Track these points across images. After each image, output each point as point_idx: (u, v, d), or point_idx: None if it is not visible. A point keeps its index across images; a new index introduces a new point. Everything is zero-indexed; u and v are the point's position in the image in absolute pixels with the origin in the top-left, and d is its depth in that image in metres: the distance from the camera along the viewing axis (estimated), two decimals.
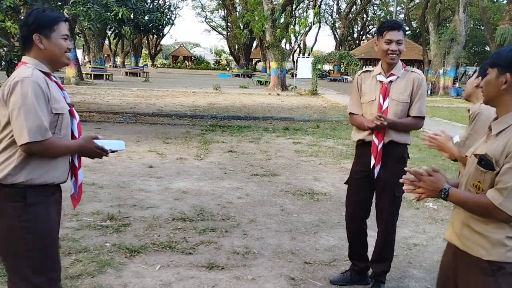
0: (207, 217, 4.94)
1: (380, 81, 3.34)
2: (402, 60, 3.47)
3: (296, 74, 27.90)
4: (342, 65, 47.03)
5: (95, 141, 2.36)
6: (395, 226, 3.50)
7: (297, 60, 29.80)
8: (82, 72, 27.41)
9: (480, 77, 2.35)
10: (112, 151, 2.42)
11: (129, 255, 3.90)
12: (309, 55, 48.08)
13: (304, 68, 26.03)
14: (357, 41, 59.22)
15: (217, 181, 6.49)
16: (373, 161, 3.31)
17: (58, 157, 2.26)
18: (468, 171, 1.95)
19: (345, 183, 3.64)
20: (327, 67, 52.01)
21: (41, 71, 2.24)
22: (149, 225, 4.63)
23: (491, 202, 1.78)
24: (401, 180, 1.93)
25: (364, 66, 26.56)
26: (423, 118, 3.34)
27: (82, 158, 2.47)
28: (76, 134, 2.39)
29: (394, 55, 3.26)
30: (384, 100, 3.29)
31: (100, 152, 2.35)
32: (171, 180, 6.39)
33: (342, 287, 3.56)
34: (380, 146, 3.27)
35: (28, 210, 2.18)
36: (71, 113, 2.37)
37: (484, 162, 1.84)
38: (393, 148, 3.30)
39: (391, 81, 3.33)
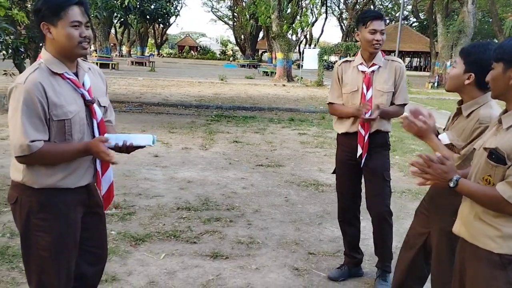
0: (211, 207, 4.96)
1: (362, 71, 3.35)
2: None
3: (302, 65, 27.76)
4: (348, 56, 46.82)
5: (116, 136, 2.15)
6: (391, 212, 3.47)
7: (303, 51, 29.65)
8: (88, 61, 27.41)
9: (472, 73, 2.29)
10: (140, 147, 2.20)
11: (134, 243, 3.93)
12: (315, 46, 47.85)
13: (310, 59, 25.89)
14: None
15: (222, 171, 6.50)
16: (360, 151, 3.34)
17: (61, 162, 2.10)
18: (477, 164, 1.93)
19: (333, 173, 3.69)
20: (333, 58, 51.74)
21: (50, 70, 2.07)
22: (154, 214, 4.65)
23: (500, 195, 1.77)
24: (410, 163, 1.90)
25: None
26: (405, 105, 3.41)
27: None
28: (97, 134, 2.19)
29: (378, 45, 3.27)
30: (367, 90, 3.31)
31: (103, 157, 2.10)
32: (176, 170, 6.40)
33: (336, 281, 3.54)
34: (366, 136, 3.31)
35: (42, 209, 2.11)
36: (91, 111, 2.18)
37: (495, 156, 1.81)
38: (377, 136, 3.35)
39: (373, 71, 3.34)
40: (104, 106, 2.31)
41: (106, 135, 2.18)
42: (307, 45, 51.15)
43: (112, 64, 30.32)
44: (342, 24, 58.07)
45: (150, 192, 5.34)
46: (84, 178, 2.22)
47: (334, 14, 60.46)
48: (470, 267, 1.94)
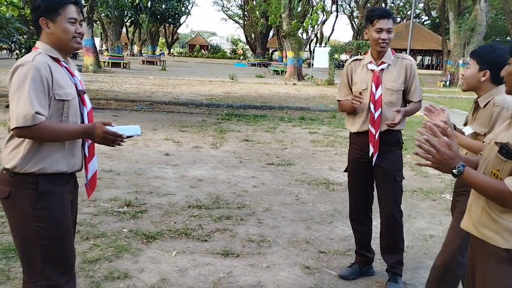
0: (222, 205, 4.98)
1: (372, 70, 3.33)
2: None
3: (312, 64, 27.71)
4: (359, 55, 46.58)
5: (108, 127, 2.21)
6: (401, 212, 3.44)
7: (314, 49, 29.58)
8: (100, 60, 27.65)
9: (487, 70, 2.59)
10: (128, 137, 2.27)
11: (145, 241, 3.96)
12: (326, 44, 47.70)
13: (321, 57, 25.81)
14: None
15: (232, 169, 6.51)
16: (371, 150, 3.32)
17: (58, 141, 2.17)
18: (487, 157, 1.90)
19: (344, 171, 3.67)
20: (344, 56, 51.54)
21: (49, 56, 2.19)
22: (166, 212, 4.68)
23: (508, 189, 1.74)
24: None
25: None
26: (421, 100, 3.41)
27: (100, 146, 2.33)
28: (86, 122, 2.30)
29: (384, 44, 3.25)
30: (376, 89, 3.29)
31: (113, 138, 2.18)
32: (187, 168, 6.43)
33: (352, 280, 3.53)
34: (377, 135, 3.30)
35: (41, 198, 2.14)
36: (82, 101, 2.30)
37: (506, 151, 1.79)
38: (389, 135, 3.33)
39: (382, 69, 3.32)
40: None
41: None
42: (318, 44, 51.04)
43: (123, 63, 30.49)
44: (353, 22, 57.82)
45: (161, 191, 5.38)
46: (77, 163, 2.29)
47: (345, 12, 60.27)
48: (479, 263, 1.93)
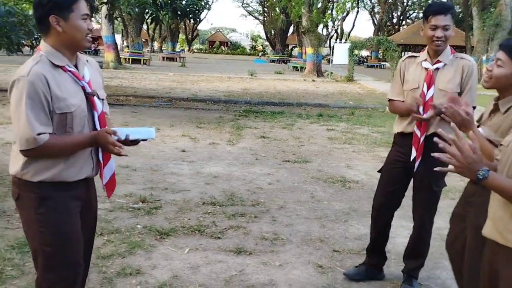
0: (237, 202, 4.96)
1: (426, 68, 3.10)
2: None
3: (332, 60, 27.50)
4: (380, 51, 46.05)
5: (119, 130, 2.14)
6: (432, 222, 3.32)
7: (333, 45, 29.35)
8: (120, 56, 27.92)
9: None
10: (142, 140, 2.23)
11: (159, 238, 3.97)
12: (346, 40, 47.28)
13: (341, 54, 25.57)
14: (397, 27, 57.74)
15: (248, 166, 6.49)
16: (414, 154, 3.12)
17: (67, 154, 2.09)
18: (507, 161, 1.81)
19: (379, 171, 3.49)
20: (364, 53, 51.02)
21: (51, 62, 2.05)
22: (180, 208, 4.69)
23: None
24: (437, 140, 1.74)
25: (402, 52, 25.90)
26: (474, 107, 3.05)
27: None
28: (98, 128, 2.17)
29: (439, 42, 3.00)
30: (428, 89, 3.05)
31: (111, 149, 2.11)
32: (203, 165, 6.44)
33: (357, 281, 3.43)
34: (422, 138, 3.08)
35: (42, 203, 2.09)
36: (92, 104, 2.16)
37: None
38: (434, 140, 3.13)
39: (437, 69, 3.08)
40: (103, 99, 2.29)
41: (113, 129, 2.16)
42: (338, 40, 50.62)
43: (143, 59, 30.73)
44: (374, 18, 57.16)
45: (176, 187, 5.39)
46: (83, 171, 2.19)
47: (365, 8, 59.52)
48: (506, 271, 1.82)
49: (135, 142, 2.22)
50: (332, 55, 26.82)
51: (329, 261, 3.73)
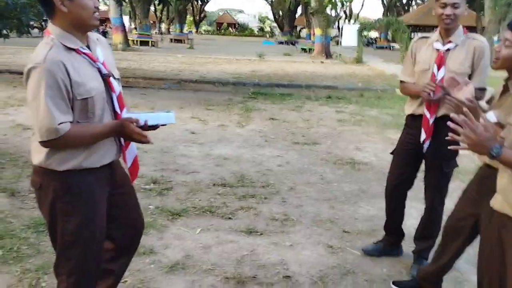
0: (247, 184, 5.00)
1: (437, 49, 3.06)
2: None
3: (341, 42, 27.25)
4: (389, 32, 45.54)
5: (138, 115, 2.10)
6: (443, 203, 3.33)
7: (342, 27, 29.05)
8: (129, 38, 27.85)
9: None
10: (161, 125, 2.19)
11: (171, 218, 4.02)
12: (355, 21, 46.77)
13: (350, 35, 25.34)
14: (406, 7, 56.92)
15: (257, 148, 6.52)
16: (423, 135, 3.12)
17: (88, 145, 2.04)
18: None
19: (391, 153, 3.50)
20: (373, 34, 50.44)
21: (65, 46, 1.96)
22: (191, 189, 4.73)
23: None
24: (450, 124, 1.75)
25: (412, 34, 25.57)
26: (485, 89, 3.07)
27: None
28: (118, 109, 2.14)
29: (449, 20, 2.95)
30: (438, 70, 3.02)
31: (138, 138, 2.06)
32: (212, 147, 6.47)
33: (374, 257, 3.52)
34: (431, 120, 3.07)
35: (68, 192, 2.05)
36: (109, 85, 2.11)
37: None
38: (445, 122, 3.09)
39: (448, 49, 3.03)
40: (118, 79, 2.22)
41: (132, 115, 2.13)
42: (347, 21, 50.09)
43: (151, 41, 30.64)
44: None
45: (187, 168, 5.43)
46: (107, 155, 2.15)
47: None
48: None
49: (154, 127, 2.17)
50: (341, 36, 26.59)
51: (339, 241, 3.77)
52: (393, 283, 3.04)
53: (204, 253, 3.45)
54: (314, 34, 29.22)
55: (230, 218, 4.09)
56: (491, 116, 2.29)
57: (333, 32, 38.42)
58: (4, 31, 7.96)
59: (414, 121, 3.22)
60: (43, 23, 9.55)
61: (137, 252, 3.34)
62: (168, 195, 4.55)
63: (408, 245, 3.63)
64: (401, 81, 3.33)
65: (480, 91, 2.99)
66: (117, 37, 25.64)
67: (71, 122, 1.96)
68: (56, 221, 2.09)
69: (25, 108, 8.36)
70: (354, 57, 24.47)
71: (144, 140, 2.07)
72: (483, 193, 2.41)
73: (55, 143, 1.96)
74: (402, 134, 3.41)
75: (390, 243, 3.57)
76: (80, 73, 1.98)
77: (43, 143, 1.97)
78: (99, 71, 2.08)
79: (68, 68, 1.93)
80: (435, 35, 3.15)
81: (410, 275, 3.29)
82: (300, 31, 63.43)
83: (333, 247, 3.65)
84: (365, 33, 25.73)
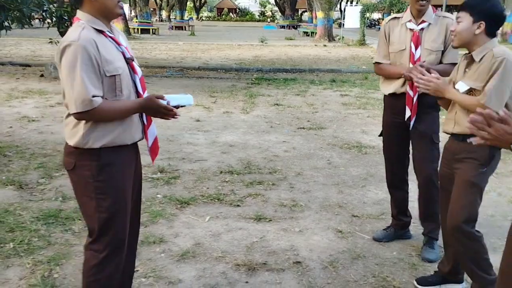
0: (254, 170, 4.99)
1: (411, 29, 3.16)
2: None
3: (343, 24, 26.99)
4: (392, 13, 45.06)
5: (161, 101, 2.19)
6: (437, 176, 3.36)
7: (344, 8, 28.75)
8: (129, 27, 27.70)
9: (482, 22, 2.46)
10: (181, 106, 2.29)
11: (179, 206, 4.02)
12: (357, 3, 46.24)
13: (352, 17, 25.08)
14: None
15: (263, 134, 6.50)
16: (408, 113, 3.19)
17: (117, 119, 2.16)
18: None
19: (379, 135, 3.58)
20: (376, 15, 49.92)
21: (94, 28, 2.11)
22: (198, 177, 4.73)
23: None
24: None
25: None
26: (455, 64, 3.09)
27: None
28: (140, 90, 2.28)
29: (424, 2, 3.07)
30: (416, 49, 3.13)
31: (165, 111, 2.18)
32: (218, 134, 6.46)
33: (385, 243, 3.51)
34: (415, 98, 3.16)
35: (103, 170, 2.16)
36: (132, 68, 2.25)
37: None
38: (426, 97, 3.10)
39: (422, 29, 3.14)
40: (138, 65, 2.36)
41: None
42: (349, 3, 49.53)
43: (152, 29, 30.46)
44: None
45: (193, 156, 5.43)
46: (136, 134, 2.28)
47: None
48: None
49: (175, 107, 2.25)
50: (343, 18, 26.33)
51: (348, 226, 3.76)
52: (417, 281, 3.00)
53: (214, 241, 3.46)
54: (316, 17, 28.94)
55: (238, 205, 4.09)
56: (462, 85, 2.57)
57: (336, 14, 38.05)
58: (6, 23, 7.90)
59: (395, 100, 3.28)
60: (43, 13, 9.51)
61: (147, 241, 3.39)
62: (176, 184, 4.55)
63: (417, 227, 3.62)
64: (376, 63, 3.38)
65: (451, 66, 3.07)
66: (118, 26, 25.21)
67: (102, 97, 2.08)
68: (92, 199, 2.19)
69: (30, 100, 8.36)
70: (357, 39, 24.28)
71: (171, 114, 2.19)
72: (456, 166, 2.69)
73: (88, 115, 2.06)
74: (385, 116, 3.47)
75: (400, 226, 3.57)
76: (108, 52, 2.12)
77: (77, 115, 2.06)
78: (123, 55, 2.22)
79: (99, 46, 2.07)
80: (406, 15, 3.23)
81: (421, 257, 3.28)
82: (301, 14, 62.85)
83: (343, 232, 3.65)
84: (367, 14, 25.46)
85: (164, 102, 2.17)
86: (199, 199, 4.20)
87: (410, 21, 3.19)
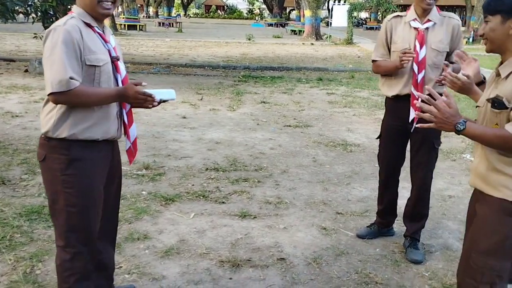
0: (239, 168, 4.99)
1: (415, 28, 3.09)
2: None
3: (331, 23, 27.08)
4: (379, 13, 45.29)
5: (139, 87, 2.19)
6: (432, 179, 3.37)
7: (332, 7, 28.85)
8: (116, 23, 27.46)
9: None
10: (163, 101, 2.28)
11: (164, 203, 4.01)
12: (345, 2, 46.45)
13: (340, 16, 25.14)
14: None
15: (249, 132, 6.51)
16: (412, 114, 3.11)
17: (94, 105, 2.14)
18: (484, 118, 1.97)
19: (377, 138, 3.51)
20: (363, 15, 50.23)
21: (83, 21, 2.13)
22: (183, 174, 4.72)
23: (509, 133, 1.80)
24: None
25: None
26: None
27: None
28: None
29: (431, 1, 2.99)
30: (421, 48, 3.04)
31: (144, 98, 2.16)
32: (204, 131, 6.45)
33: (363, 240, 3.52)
34: (420, 99, 3.11)
35: (71, 164, 2.14)
36: (116, 67, 2.25)
37: (497, 103, 1.87)
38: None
39: (427, 28, 3.07)
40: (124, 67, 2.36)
41: None
42: (336, 2, 49.71)
43: (139, 25, 30.24)
44: None
45: (179, 153, 5.41)
46: (110, 131, 2.25)
47: None
48: (478, 212, 2.00)
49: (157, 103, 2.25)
50: (331, 17, 26.41)
51: (332, 223, 3.79)
52: None
53: (199, 238, 3.46)
54: (304, 15, 29.03)
55: (223, 202, 4.09)
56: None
57: (323, 13, 38.18)
58: None
59: (398, 102, 3.20)
60: (28, 8, 9.39)
61: (131, 238, 3.37)
62: (161, 181, 4.54)
63: (400, 225, 3.66)
64: (373, 61, 3.32)
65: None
66: (105, 21, 25.23)
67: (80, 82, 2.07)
68: (59, 193, 2.17)
69: (14, 96, 8.26)
70: (344, 38, 24.39)
71: (149, 100, 2.18)
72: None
73: (64, 97, 2.05)
74: (386, 117, 3.41)
75: (384, 224, 3.59)
76: (93, 43, 2.14)
77: (53, 96, 2.04)
78: (109, 53, 2.22)
79: (83, 34, 2.10)
80: (410, 13, 3.16)
81: (408, 259, 3.26)
82: (289, 12, 62.91)
83: (327, 229, 3.67)
84: (355, 13, 25.58)
85: (140, 90, 2.16)
86: (184, 196, 4.19)
87: (414, 19, 3.11)
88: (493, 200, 1.92)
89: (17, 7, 8.52)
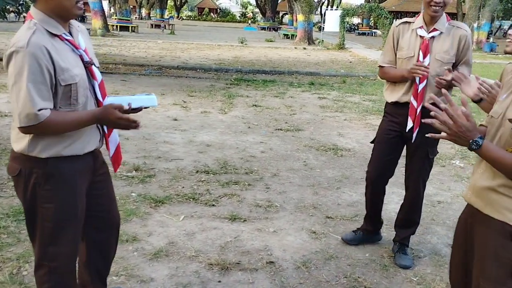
0: (230, 170, 4.99)
1: (421, 36, 3.02)
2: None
3: (323, 28, 27.21)
4: (371, 18, 45.59)
5: (120, 99, 2.05)
6: (425, 188, 3.35)
7: (325, 12, 28.99)
8: (108, 24, 27.34)
9: None
10: (144, 108, 2.18)
11: (154, 205, 3.99)
12: (337, 7, 46.69)
13: (332, 21, 25.29)
14: None
15: (241, 135, 6.50)
16: (410, 124, 3.08)
17: (70, 131, 2.00)
18: (497, 134, 1.76)
19: (372, 142, 3.45)
20: (356, 20, 50.52)
21: (48, 31, 1.92)
22: (174, 176, 4.70)
23: None
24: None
25: (394, 20, 25.66)
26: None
27: None
28: (100, 97, 2.12)
29: (437, 8, 2.89)
30: (424, 57, 2.99)
31: (128, 124, 2.04)
32: (195, 133, 6.43)
33: (351, 245, 3.50)
34: (419, 109, 3.03)
35: (49, 180, 2.01)
36: (91, 73, 2.09)
37: None
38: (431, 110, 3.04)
39: (433, 37, 3.00)
40: (98, 67, 2.18)
41: (112, 98, 2.11)
42: (329, 7, 49.95)
43: (131, 26, 30.15)
44: None
45: (169, 155, 5.39)
46: (91, 143, 2.13)
47: None
48: (480, 235, 1.82)
49: (137, 110, 2.15)
50: (323, 22, 26.53)
51: (322, 227, 3.79)
52: None
53: (188, 240, 3.44)
54: (296, 20, 29.10)
55: (213, 205, 4.08)
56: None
57: (316, 18, 38.35)
58: None
59: (398, 109, 3.17)
60: (19, 7, 9.33)
61: (120, 240, 3.32)
62: (151, 183, 4.52)
63: (389, 230, 3.67)
64: (380, 66, 3.27)
65: None
66: (96, 22, 25.13)
67: (51, 109, 1.92)
68: (36, 208, 2.06)
69: (3, 95, 8.18)
70: (336, 43, 24.50)
71: (132, 125, 2.06)
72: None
73: (35, 129, 1.91)
74: (383, 122, 3.34)
75: (370, 231, 3.56)
76: (64, 59, 1.95)
77: (22, 129, 1.92)
78: (81, 58, 2.06)
79: (52, 54, 1.89)
80: (418, 20, 3.10)
81: (397, 265, 3.27)
82: (282, 16, 63.13)
83: (316, 233, 3.67)
84: (347, 19, 25.71)
85: (127, 99, 2.06)
86: (174, 198, 4.17)
87: (421, 27, 3.04)
88: (495, 223, 1.75)
89: (8, 6, 8.46)
